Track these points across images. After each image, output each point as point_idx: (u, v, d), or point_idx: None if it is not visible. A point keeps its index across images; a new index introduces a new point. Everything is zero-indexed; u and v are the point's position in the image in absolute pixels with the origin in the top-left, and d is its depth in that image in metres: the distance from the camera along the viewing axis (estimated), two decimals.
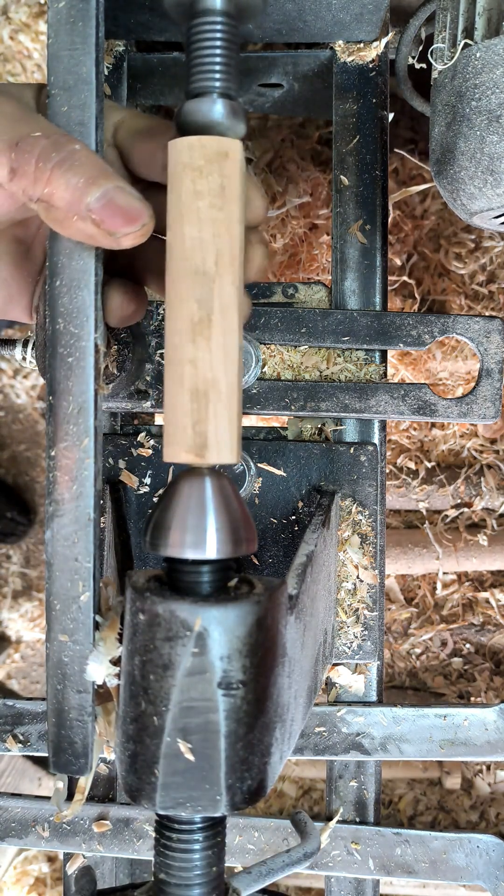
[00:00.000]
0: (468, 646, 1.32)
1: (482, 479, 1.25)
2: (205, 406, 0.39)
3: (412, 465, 1.27)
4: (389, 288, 1.04)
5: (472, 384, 0.70)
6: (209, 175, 0.39)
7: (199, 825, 0.41)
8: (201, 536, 0.39)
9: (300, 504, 0.65)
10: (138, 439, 0.66)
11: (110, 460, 0.66)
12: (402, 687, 1.33)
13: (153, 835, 0.46)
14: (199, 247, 0.39)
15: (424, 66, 0.65)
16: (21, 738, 0.66)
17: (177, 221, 0.39)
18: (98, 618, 0.43)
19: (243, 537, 0.40)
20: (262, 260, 0.47)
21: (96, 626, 0.43)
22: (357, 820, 0.67)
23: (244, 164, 0.41)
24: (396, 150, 1.10)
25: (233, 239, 0.40)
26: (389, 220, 1.03)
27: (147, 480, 0.66)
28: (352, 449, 0.65)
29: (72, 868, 0.67)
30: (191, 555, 0.39)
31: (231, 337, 0.40)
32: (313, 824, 0.48)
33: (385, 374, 0.66)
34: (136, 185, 0.49)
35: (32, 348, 0.64)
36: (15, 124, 0.41)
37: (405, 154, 0.98)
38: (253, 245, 0.46)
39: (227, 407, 0.39)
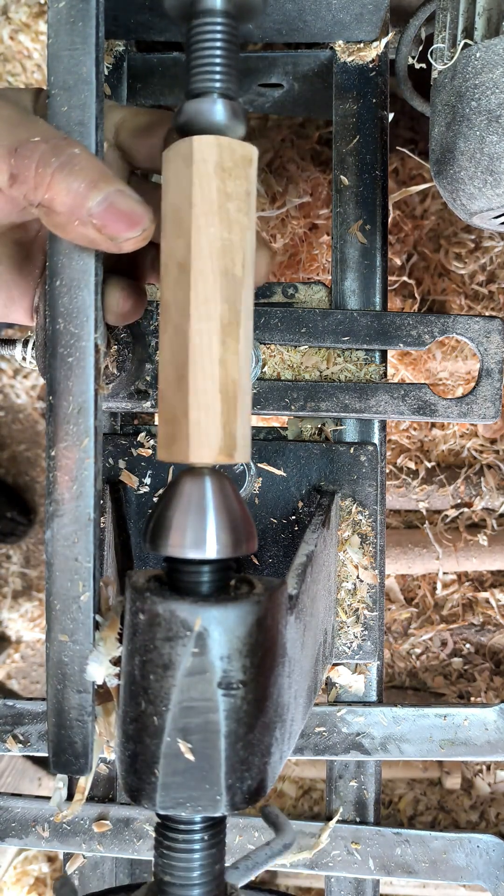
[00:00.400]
0: (468, 646, 1.32)
1: (482, 479, 1.25)
2: (234, 407, 0.39)
3: (412, 465, 1.27)
4: (389, 288, 1.04)
5: (472, 384, 0.70)
6: (237, 178, 0.39)
7: (200, 825, 0.41)
8: (201, 536, 0.39)
9: (300, 504, 0.65)
10: (138, 439, 0.66)
11: (110, 460, 0.66)
12: (402, 687, 1.33)
13: (153, 835, 0.46)
14: (230, 249, 0.39)
15: (424, 66, 0.65)
16: (21, 738, 0.66)
17: (204, 220, 0.39)
18: (98, 618, 0.43)
19: (243, 537, 0.40)
20: (269, 264, 0.47)
21: (96, 626, 0.43)
22: (357, 820, 0.67)
23: None
24: (398, 148, 1.10)
25: (253, 244, 0.40)
26: (389, 220, 1.03)
27: (147, 480, 0.66)
28: (352, 449, 0.65)
29: (72, 868, 0.67)
30: (191, 555, 0.39)
31: (250, 339, 0.40)
32: (284, 816, 0.48)
33: (385, 374, 0.66)
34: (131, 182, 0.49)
35: (32, 348, 0.64)
36: (14, 129, 0.41)
37: (406, 152, 0.98)
38: (259, 248, 0.46)
39: (248, 408, 0.40)
